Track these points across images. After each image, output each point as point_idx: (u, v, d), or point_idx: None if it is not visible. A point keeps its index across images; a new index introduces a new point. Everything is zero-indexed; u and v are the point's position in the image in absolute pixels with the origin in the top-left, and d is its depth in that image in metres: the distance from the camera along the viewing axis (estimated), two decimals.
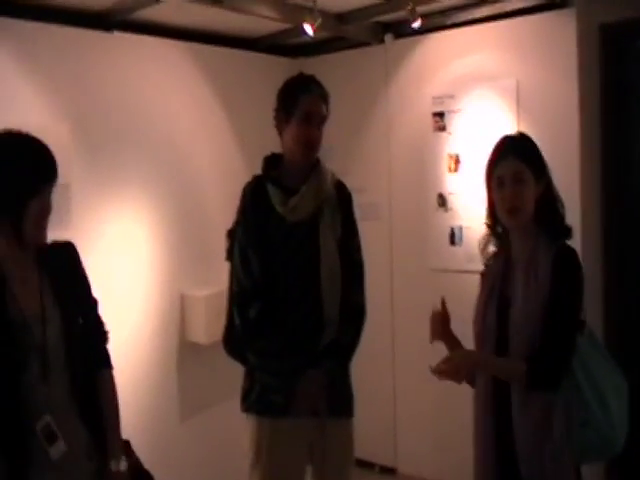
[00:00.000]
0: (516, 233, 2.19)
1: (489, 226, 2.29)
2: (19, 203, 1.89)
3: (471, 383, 2.30)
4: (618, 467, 3.56)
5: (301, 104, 2.47)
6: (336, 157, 4.36)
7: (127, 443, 2.17)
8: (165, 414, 3.80)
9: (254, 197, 2.53)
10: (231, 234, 2.59)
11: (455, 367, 2.10)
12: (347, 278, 2.54)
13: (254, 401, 2.51)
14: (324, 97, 2.54)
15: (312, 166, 2.56)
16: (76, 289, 2.09)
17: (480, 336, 2.23)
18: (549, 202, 2.16)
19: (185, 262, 3.93)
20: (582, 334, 2.11)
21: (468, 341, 2.30)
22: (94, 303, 2.17)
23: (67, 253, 2.10)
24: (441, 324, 2.31)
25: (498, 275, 2.22)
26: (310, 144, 2.49)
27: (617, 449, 2.09)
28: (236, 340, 2.54)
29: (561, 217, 2.17)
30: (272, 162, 2.59)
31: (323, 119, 2.53)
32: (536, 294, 2.05)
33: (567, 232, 2.16)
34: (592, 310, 3.48)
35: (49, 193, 1.97)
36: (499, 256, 2.27)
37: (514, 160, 2.13)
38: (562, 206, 2.18)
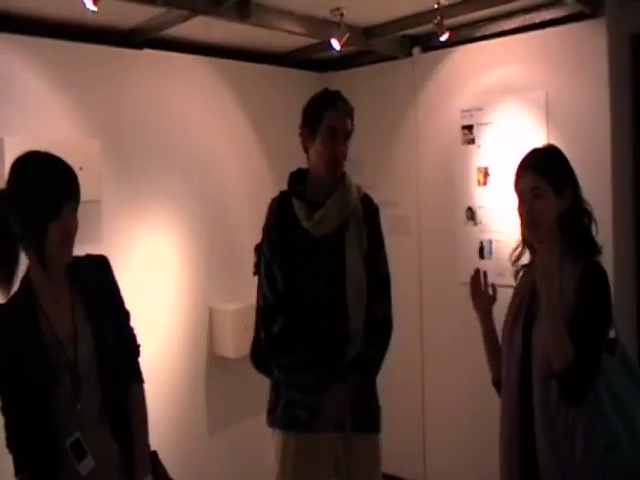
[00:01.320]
0: (543, 247, 2.15)
1: (523, 238, 2.26)
2: (40, 227, 1.88)
3: (497, 386, 2.28)
4: None
5: (326, 120, 2.47)
6: (365, 171, 4.36)
7: (154, 454, 2.17)
8: (193, 427, 3.81)
9: (279, 212, 2.53)
10: (259, 249, 2.60)
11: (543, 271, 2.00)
12: (373, 291, 2.53)
13: (279, 416, 2.51)
14: (349, 112, 2.54)
15: (338, 180, 2.56)
16: (108, 303, 2.10)
17: (506, 351, 2.20)
18: (576, 216, 2.12)
19: (214, 276, 3.95)
20: (614, 354, 2.07)
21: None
22: (126, 316, 2.18)
23: (99, 266, 2.11)
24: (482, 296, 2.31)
25: (527, 290, 2.19)
26: (335, 160, 2.49)
27: None
28: (262, 354, 2.55)
29: (589, 233, 2.13)
30: (298, 177, 2.59)
31: (348, 134, 2.52)
32: (560, 311, 2.01)
33: (594, 249, 2.11)
34: (624, 326, 3.41)
35: (72, 211, 1.95)
36: (528, 273, 2.24)
37: (532, 175, 2.11)
38: (593, 221, 2.14)
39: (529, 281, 2.20)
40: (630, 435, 1.97)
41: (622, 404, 1.99)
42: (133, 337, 2.19)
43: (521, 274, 2.29)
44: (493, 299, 2.35)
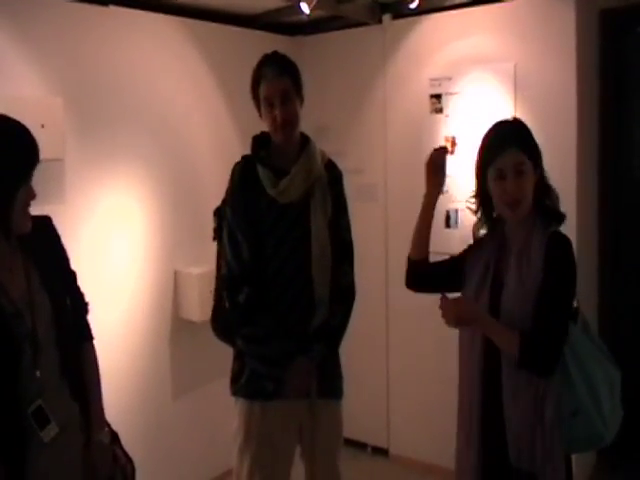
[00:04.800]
0: (516, 223, 2.17)
1: (477, 212, 2.29)
2: (8, 194, 1.83)
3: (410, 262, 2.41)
4: (608, 456, 3.58)
5: (261, 92, 2.46)
6: (332, 137, 4.35)
7: (115, 435, 2.19)
8: (157, 391, 3.80)
9: (243, 178, 2.51)
10: (218, 213, 2.58)
11: (457, 314, 2.11)
12: (337, 258, 2.53)
13: (243, 385, 2.52)
14: (282, 72, 2.47)
15: (302, 146, 2.54)
16: (59, 267, 2.07)
17: None
18: (544, 189, 2.14)
19: (179, 239, 3.92)
20: (575, 322, 2.10)
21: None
22: (74, 276, 2.16)
23: (46, 230, 2.07)
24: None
25: (492, 261, 2.20)
26: (282, 123, 2.45)
27: (607, 440, 2.09)
28: (225, 322, 2.54)
29: (555, 203, 2.16)
30: (262, 142, 2.56)
31: (286, 94, 2.45)
32: (528, 278, 2.05)
33: (560, 217, 2.14)
34: (586, 297, 3.49)
35: (31, 177, 1.91)
36: (492, 241, 2.25)
37: (515, 151, 2.06)
38: (555, 193, 2.16)
39: (492, 252, 2.21)
40: (593, 400, 2.02)
41: (586, 371, 2.04)
42: (81, 295, 2.18)
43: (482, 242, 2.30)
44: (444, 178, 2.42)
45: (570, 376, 2.02)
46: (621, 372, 2.14)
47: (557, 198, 2.17)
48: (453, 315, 2.11)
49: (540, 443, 2.02)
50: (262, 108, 2.49)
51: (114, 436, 2.19)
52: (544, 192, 2.14)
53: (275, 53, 2.56)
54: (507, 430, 2.06)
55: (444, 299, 2.14)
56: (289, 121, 2.46)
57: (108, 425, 2.18)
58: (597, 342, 2.14)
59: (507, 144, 2.08)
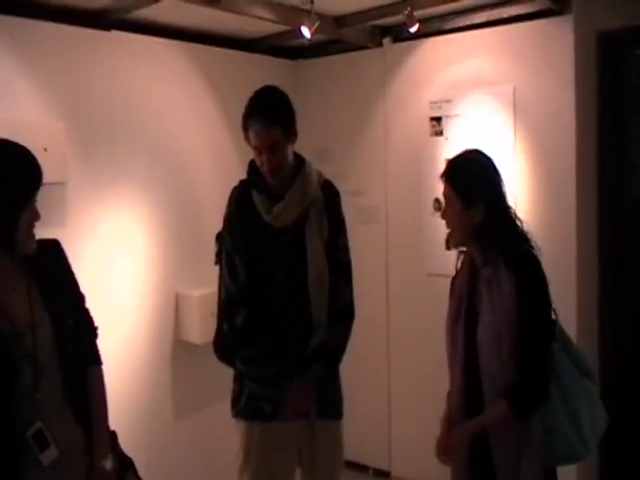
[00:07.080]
0: (469, 251, 2.24)
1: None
2: (14, 216, 1.86)
3: None
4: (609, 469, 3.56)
5: (250, 138, 2.47)
6: (333, 160, 4.38)
7: (113, 434, 2.16)
8: (159, 413, 3.80)
9: (240, 203, 2.53)
10: (219, 238, 2.59)
11: (454, 449, 2.24)
12: (334, 278, 2.53)
13: (243, 406, 2.52)
14: (273, 122, 2.42)
15: (297, 169, 2.54)
16: (64, 289, 2.07)
17: (451, 348, 2.27)
18: (491, 227, 2.14)
19: (181, 261, 3.93)
20: (554, 338, 2.12)
21: None
22: (82, 299, 2.15)
23: (52, 252, 2.07)
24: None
25: (465, 285, 2.24)
26: (269, 171, 2.46)
27: (584, 457, 2.12)
28: (225, 345, 2.55)
29: (511, 235, 2.15)
30: (257, 166, 2.56)
31: (274, 145, 2.43)
32: (501, 311, 2.07)
33: (521, 244, 2.14)
34: (587, 316, 3.49)
35: (36, 200, 1.94)
36: (464, 265, 2.29)
37: (445, 184, 2.22)
38: (512, 231, 2.17)
39: (464, 276, 2.25)
40: (573, 421, 2.05)
41: (567, 392, 2.07)
42: (90, 319, 2.17)
43: (460, 260, 2.33)
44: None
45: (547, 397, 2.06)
46: (599, 385, 2.19)
47: (513, 231, 2.18)
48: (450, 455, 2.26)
49: (524, 459, 2.06)
50: (253, 151, 2.50)
51: (128, 463, 2.16)
52: (493, 230, 2.14)
53: (265, 98, 2.52)
54: (493, 451, 2.12)
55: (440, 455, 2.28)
56: (277, 169, 2.47)
57: (122, 452, 2.15)
58: (576, 355, 2.16)
59: (442, 176, 2.26)
